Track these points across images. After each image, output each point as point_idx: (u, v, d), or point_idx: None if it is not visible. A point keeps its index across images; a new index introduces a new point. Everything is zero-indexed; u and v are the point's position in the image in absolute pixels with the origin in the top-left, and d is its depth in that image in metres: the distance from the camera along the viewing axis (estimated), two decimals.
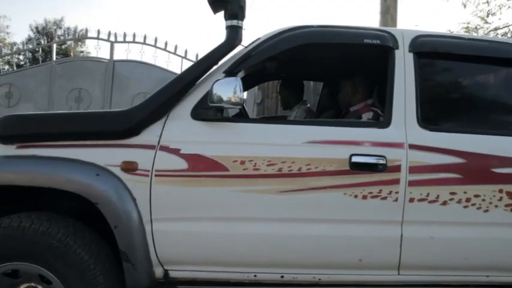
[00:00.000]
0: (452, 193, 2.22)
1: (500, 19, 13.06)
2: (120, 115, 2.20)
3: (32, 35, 27.93)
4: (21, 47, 26.13)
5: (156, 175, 2.12)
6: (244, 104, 3.81)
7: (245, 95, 5.92)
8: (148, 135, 2.16)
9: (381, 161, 2.23)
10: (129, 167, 2.12)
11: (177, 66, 8.79)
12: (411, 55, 2.36)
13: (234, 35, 2.30)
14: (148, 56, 8.84)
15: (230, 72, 2.28)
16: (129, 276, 2.12)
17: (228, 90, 2.11)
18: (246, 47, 2.40)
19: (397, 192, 2.23)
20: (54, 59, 9.00)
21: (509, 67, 2.50)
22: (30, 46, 11.08)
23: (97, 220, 2.16)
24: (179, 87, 2.23)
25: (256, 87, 7.39)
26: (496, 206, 2.24)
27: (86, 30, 9.34)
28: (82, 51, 25.69)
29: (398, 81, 2.35)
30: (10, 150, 2.17)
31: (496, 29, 12.83)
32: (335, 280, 2.31)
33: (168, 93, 2.22)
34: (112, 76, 8.64)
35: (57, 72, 8.59)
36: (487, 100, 2.59)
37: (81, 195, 2.10)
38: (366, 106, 2.88)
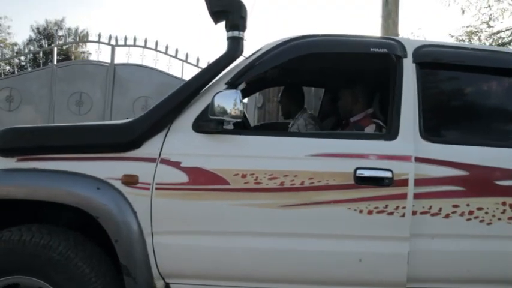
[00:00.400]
0: (455, 206, 2.21)
1: (502, 22, 13.05)
2: (121, 128, 2.20)
3: (33, 35, 28.03)
4: (22, 47, 26.44)
5: (156, 188, 2.11)
6: (244, 110, 3.82)
7: (246, 99, 5.93)
8: (149, 148, 2.15)
9: (387, 175, 2.18)
10: (130, 180, 2.11)
11: (178, 69, 8.77)
12: (414, 65, 2.34)
13: (235, 46, 2.29)
14: (149, 59, 8.82)
15: (232, 83, 2.27)
16: None
17: (227, 103, 2.09)
18: (247, 57, 2.39)
19: (404, 208, 2.18)
20: (55, 62, 8.99)
21: None
22: (32, 47, 11.03)
23: (98, 231, 2.15)
24: (180, 99, 2.22)
25: None
26: (499, 219, 2.23)
27: (87, 34, 9.35)
28: (83, 52, 25.74)
29: (406, 91, 2.31)
30: (10, 163, 2.17)
31: (498, 32, 12.81)
32: None
33: (169, 106, 2.21)
34: (113, 80, 8.62)
35: (58, 75, 8.57)
36: (489, 111, 2.56)
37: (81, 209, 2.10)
38: (367, 117, 2.82)
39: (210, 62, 2.32)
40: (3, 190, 2.14)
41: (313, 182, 2.17)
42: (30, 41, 27.79)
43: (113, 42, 8.75)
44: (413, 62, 2.35)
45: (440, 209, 2.20)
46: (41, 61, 8.98)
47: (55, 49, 9.10)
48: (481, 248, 2.25)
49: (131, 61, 8.80)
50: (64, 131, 2.24)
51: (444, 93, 2.57)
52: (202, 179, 2.14)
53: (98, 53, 8.93)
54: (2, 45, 25.46)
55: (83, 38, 28.02)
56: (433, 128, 2.36)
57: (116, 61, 8.77)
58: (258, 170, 2.17)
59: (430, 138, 2.27)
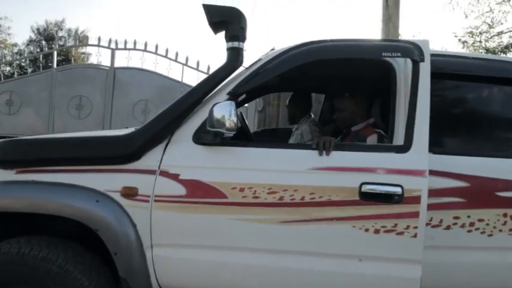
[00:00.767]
0: (456, 217, 2.20)
1: (502, 24, 13.06)
2: (120, 140, 2.18)
3: (33, 36, 28.10)
4: (22, 48, 26.61)
5: (155, 200, 2.10)
6: (244, 116, 3.81)
7: (246, 104, 5.91)
8: (149, 160, 2.14)
9: (397, 191, 2.05)
10: (129, 193, 2.10)
11: (178, 73, 8.77)
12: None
13: (235, 57, 2.28)
14: (149, 63, 8.83)
15: (234, 93, 2.24)
16: None
17: (223, 114, 2.04)
18: (247, 68, 2.38)
19: (416, 227, 2.04)
20: (55, 65, 8.98)
21: None
22: (32, 48, 11.04)
23: (97, 241, 2.14)
24: (180, 110, 2.21)
25: None
26: (500, 230, 2.22)
27: (87, 37, 9.33)
28: (83, 53, 25.76)
29: (422, 98, 2.17)
30: (9, 175, 2.16)
31: (499, 33, 12.83)
32: None
33: (168, 117, 2.19)
34: (113, 83, 8.61)
35: (58, 79, 8.57)
36: (490, 121, 2.54)
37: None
38: (368, 126, 2.69)
39: (210, 74, 2.31)
40: (1, 203, 2.13)
41: (314, 198, 2.08)
42: (30, 41, 27.89)
43: (112, 45, 8.75)
44: None
45: (441, 221, 2.20)
46: (40, 65, 8.97)
47: (55, 52, 9.09)
48: (481, 259, 2.24)
49: (131, 64, 8.80)
50: (63, 143, 2.23)
51: (444, 102, 2.55)
52: (200, 192, 2.10)
53: (98, 56, 8.96)
54: (2, 45, 25.50)
55: (83, 39, 28.17)
56: (434, 138, 2.32)
57: (116, 64, 8.77)
58: (256, 183, 2.10)
59: (431, 149, 2.24)
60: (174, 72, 8.78)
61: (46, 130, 8.53)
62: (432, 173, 2.18)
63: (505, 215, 2.22)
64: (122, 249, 2.07)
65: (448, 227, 2.20)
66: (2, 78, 9.00)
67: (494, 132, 2.51)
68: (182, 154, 2.17)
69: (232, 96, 2.23)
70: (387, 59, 2.30)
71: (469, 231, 2.21)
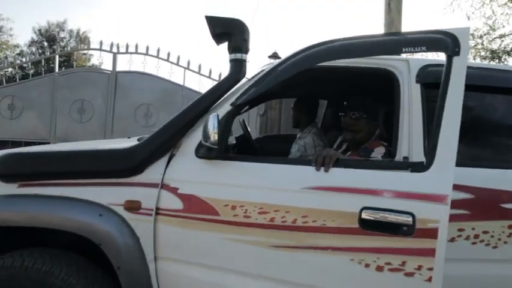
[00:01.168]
0: (461, 230, 2.18)
1: (504, 26, 13.06)
2: (124, 153, 2.17)
3: (35, 37, 28.22)
4: (24, 49, 26.69)
5: (157, 214, 2.09)
6: (246, 123, 3.79)
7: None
8: (152, 173, 2.12)
9: (406, 220, 1.74)
10: (133, 206, 2.09)
11: (180, 76, 8.78)
12: (418, 86, 2.23)
13: (238, 68, 2.26)
14: (151, 66, 8.84)
15: (237, 103, 2.18)
16: None
17: (209, 127, 1.95)
18: (249, 79, 2.36)
19: (430, 269, 1.70)
20: (57, 69, 8.98)
21: None
22: (34, 49, 11.04)
23: (101, 253, 2.13)
24: (183, 123, 2.20)
25: None
26: (505, 242, 2.20)
27: (89, 38, 9.36)
28: (85, 54, 25.86)
29: (452, 102, 1.81)
30: (12, 189, 2.15)
31: (501, 36, 12.81)
32: None
33: (172, 130, 2.18)
34: (115, 87, 8.63)
35: (59, 83, 8.59)
36: (494, 131, 2.52)
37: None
38: (376, 140, 2.51)
39: (213, 85, 2.30)
40: (3, 217, 2.12)
41: (307, 221, 1.87)
42: (32, 42, 28.00)
43: (114, 49, 8.77)
44: (417, 82, 2.28)
45: None
46: (42, 69, 8.96)
47: (57, 57, 9.10)
48: (486, 272, 2.23)
49: (133, 68, 8.80)
50: (66, 157, 2.22)
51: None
52: (194, 208, 2.04)
53: (100, 57, 9.11)
54: (4, 46, 25.58)
55: (84, 40, 28.31)
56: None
57: (118, 68, 8.78)
58: (247, 201, 1.96)
59: None
60: (175, 75, 8.80)
61: (48, 134, 8.55)
62: None
63: (510, 227, 2.20)
64: (125, 263, 2.06)
65: (452, 240, 2.18)
66: (4, 83, 9.00)
67: (498, 142, 2.49)
68: (183, 168, 2.14)
69: (235, 106, 2.20)
70: (388, 67, 2.26)
71: (474, 243, 2.19)
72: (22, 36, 48.81)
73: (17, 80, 8.91)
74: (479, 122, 2.51)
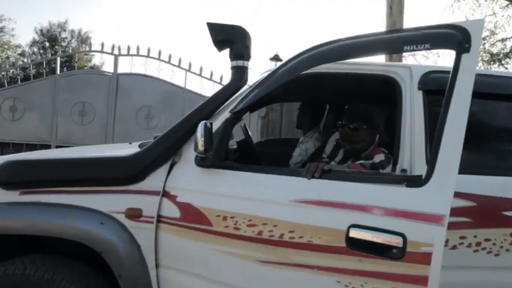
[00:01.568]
0: (462, 237, 2.18)
1: (506, 30, 13.05)
2: (125, 160, 2.17)
3: (37, 37, 28.29)
4: (25, 49, 26.73)
5: (158, 221, 2.09)
6: (247, 127, 3.79)
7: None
8: (153, 181, 2.12)
9: (396, 242, 1.57)
10: (134, 214, 2.08)
11: (181, 79, 8.78)
12: (420, 93, 2.20)
13: (239, 76, 2.27)
14: (152, 69, 8.83)
15: (236, 110, 2.17)
16: None
17: (197, 136, 1.91)
18: (251, 86, 2.36)
19: None
20: (58, 72, 8.99)
21: None
22: (35, 49, 11.06)
23: (100, 259, 2.12)
24: (185, 130, 2.19)
25: None
26: (507, 250, 2.20)
27: (90, 38, 9.36)
28: (86, 54, 25.90)
29: (457, 108, 1.62)
30: (13, 196, 2.14)
31: (503, 40, 12.80)
32: None
33: (173, 137, 2.18)
34: (116, 89, 8.63)
35: (61, 85, 8.59)
36: (496, 138, 2.51)
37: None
38: (376, 145, 2.45)
39: (214, 93, 2.30)
40: (5, 224, 2.12)
41: (293, 237, 1.76)
42: (33, 43, 28.07)
43: (116, 51, 8.76)
44: (420, 89, 2.27)
45: (447, 241, 2.17)
46: (44, 71, 8.97)
47: (58, 59, 9.10)
48: (487, 279, 2.22)
49: (134, 70, 8.80)
50: (67, 164, 2.22)
51: None
52: (190, 217, 2.01)
53: (101, 58, 9.10)
54: (6, 47, 25.62)
55: (85, 40, 28.34)
56: None
57: (119, 70, 8.78)
58: (238, 213, 1.90)
59: None
60: (177, 78, 8.80)
61: (49, 136, 8.56)
62: None
63: None
64: (126, 271, 2.05)
65: (454, 247, 2.17)
66: (6, 84, 9.01)
67: (500, 149, 2.48)
68: (183, 176, 2.14)
69: (234, 114, 2.18)
70: (390, 74, 2.23)
71: (476, 251, 2.18)
72: (24, 36, 49.01)
73: (19, 81, 8.89)
74: (481, 129, 2.49)
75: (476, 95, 2.26)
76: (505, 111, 2.47)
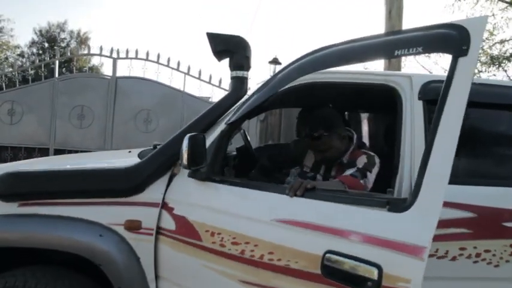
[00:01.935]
0: (462, 248, 2.17)
1: (504, 32, 13.06)
2: (125, 172, 2.16)
3: (36, 38, 28.28)
4: (24, 50, 26.70)
5: (158, 233, 2.08)
6: (246, 133, 3.78)
7: None
8: (152, 193, 2.12)
9: (371, 273, 1.42)
10: (133, 226, 2.08)
11: (180, 82, 8.76)
12: (420, 103, 2.19)
13: (239, 86, 2.26)
14: (151, 72, 8.81)
15: (230, 122, 2.15)
16: None
17: (181, 150, 1.89)
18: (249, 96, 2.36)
19: None
20: (57, 75, 8.96)
21: None
22: (34, 49, 11.03)
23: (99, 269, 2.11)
24: None
25: None
26: (507, 261, 2.19)
27: (89, 47, 9.33)
28: (85, 53, 25.88)
29: (449, 121, 1.44)
30: (12, 208, 2.14)
31: (502, 41, 12.80)
32: None
33: (172, 149, 2.17)
34: (115, 92, 8.60)
35: (59, 89, 8.56)
36: (497, 149, 2.50)
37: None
38: (355, 150, 2.41)
39: (214, 103, 2.29)
40: (3, 237, 2.11)
41: (272, 259, 1.69)
42: (32, 43, 28.05)
43: (114, 55, 8.74)
44: (420, 99, 2.26)
45: (446, 252, 2.17)
46: (42, 74, 8.94)
47: (56, 62, 9.07)
48: None
49: (133, 73, 8.78)
50: (66, 176, 2.21)
51: None
52: (183, 230, 2.00)
53: (100, 59, 8.96)
54: (5, 47, 25.59)
55: (85, 41, 28.28)
56: None
57: (118, 73, 8.76)
58: (224, 229, 1.85)
59: None
60: (176, 81, 8.77)
61: (48, 140, 8.53)
62: None
63: None
64: (125, 283, 2.05)
65: (454, 258, 2.17)
66: (4, 87, 8.99)
67: (500, 160, 2.47)
68: (180, 188, 2.13)
69: (228, 125, 2.16)
70: (390, 83, 2.22)
71: (475, 262, 2.18)
72: (23, 37, 48.93)
73: (17, 84, 8.87)
74: (482, 140, 2.50)
75: (480, 105, 2.30)
76: (507, 122, 2.46)
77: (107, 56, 8.77)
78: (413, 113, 2.19)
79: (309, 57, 1.90)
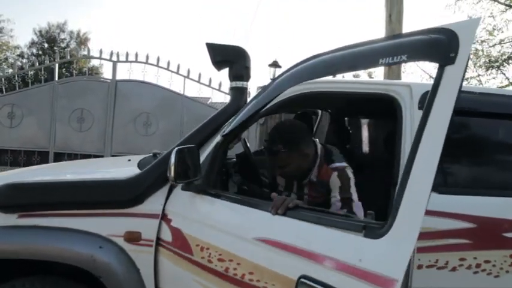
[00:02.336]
0: (462, 259, 2.17)
1: (503, 32, 13.07)
2: (124, 183, 2.16)
3: (36, 38, 28.29)
4: (24, 50, 26.69)
5: (157, 244, 2.08)
6: (246, 140, 3.78)
7: None
8: (152, 204, 2.12)
9: None
10: (133, 237, 2.08)
11: (180, 85, 8.77)
12: (421, 113, 2.22)
13: (239, 97, 2.26)
14: (151, 75, 8.79)
15: (225, 133, 2.13)
16: None
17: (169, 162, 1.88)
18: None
19: None
20: (57, 78, 8.96)
21: None
22: (34, 50, 11.02)
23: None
24: None
25: None
26: (507, 272, 2.19)
27: (89, 50, 9.33)
28: (85, 55, 25.85)
29: (431, 137, 1.30)
30: (11, 219, 2.13)
31: (501, 42, 12.81)
32: None
33: None
34: (114, 96, 8.59)
35: (59, 92, 8.56)
36: (498, 159, 2.50)
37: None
38: (322, 165, 2.25)
39: (213, 115, 2.28)
40: (3, 248, 2.10)
41: (252, 280, 1.64)
42: (32, 44, 28.06)
43: (114, 58, 8.73)
44: (420, 108, 2.25)
45: (446, 263, 2.17)
46: (42, 77, 8.93)
47: (56, 65, 9.06)
48: None
49: (132, 77, 8.78)
50: (66, 187, 2.21)
51: (448, 140, 2.49)
52: (178, 243, 1.99)
53: (100, 61, 8.97)
54: (4, 48, 25.60)
55: (85, 41, 28.25)
56: (438, 177, 2.27)
57: (118, 76, 8.75)
58: (211, 244, 1.83)
59: (437, 189, 2.21)
60: (175, 84, 8.78)
61: (47, 143, 8.53)
62: (438, 214, 2.16)
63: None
64: None
65: (453, 269, 2.16)
66: (4, 90, 8.98)
67: (501, 170, 2.47)
68: (178, 200, 2.12)
69: (223, 137, 2.15)
70: (390, 93, 2.22)
71: (475, 272, 2.18)
72: (22, 37, 48.99)
73: (17, 88, 8.86)
74: (482, 149, 2.49)
75: (481, 115, 2.30)
76: (507, 132, 2.46)
77: (106, 59, 8.77)
78: (413, 123, 2.17)
79: (297, 67, 1.86)
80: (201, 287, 1.88)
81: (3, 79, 9.06)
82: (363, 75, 18.91)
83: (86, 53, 9.89)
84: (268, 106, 1.98)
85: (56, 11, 45.49)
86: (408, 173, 1.29)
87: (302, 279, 1.43)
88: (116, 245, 2.07)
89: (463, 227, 2.17)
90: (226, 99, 7.76)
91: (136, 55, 8.73)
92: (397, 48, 1.44)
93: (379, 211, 1.74)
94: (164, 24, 53.07)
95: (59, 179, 2.28)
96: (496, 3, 12.91)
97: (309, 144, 2.22)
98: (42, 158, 8.48)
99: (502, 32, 13.15)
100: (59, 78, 9.02)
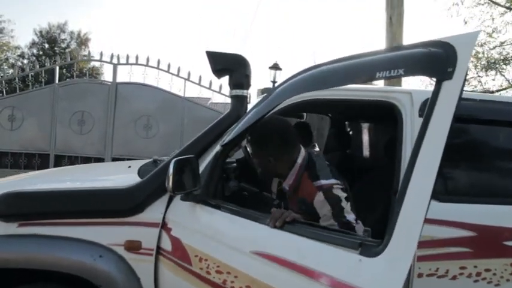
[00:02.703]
0: (463, 267, 2.17)
1: (503, 34, 13.06)
2: (124, 192, 2.16)
3: (36, 39, 28.32)
4: (25, 50, 26.67)
5: (158, 253, 2.08)
6: (247, 147, 3.78)
7: None
8: (152, 213, 2.12)
9: None
10: (133, 246, 2.08)
11: (180, 88, 8.72)
12: (421, 120, 2.19)
13: (239, 105, 2.26)
14: (151, 77, 8.76)
15: (224, 143, 2.12)
16: None
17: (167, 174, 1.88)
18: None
19: None
20: (57, 81, 8.95)
21: None
22: (35, 50, 11.00)
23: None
24: None
25: None
26: (508, 280, 2.19)
27: (89, 52, 9.33)
28: (85, 55, 25.86)
29: (429, 150, 1.27)
30: (11, 228, 2.13)
31: (501, 44, 12.80)
32: None
33: None
34: (115, 98, 8.57)
35: (59, 94, 8.55)
36: (499, 166, 2.49)
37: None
38: (304, 177, 2.05)
39: (213, 123, 2.28)
40: (3, 257, 2.10)
41: None
42: (33, 44, 28.08)
43: (114, 60, 8.70)
44: (421, 116, 2.24)
45: (447, 271, 2.16)
46: (43, 80, 8.93)
47: (57, 68, 9.06)
48: None
49: (133, 79, 8.76)
50: (66, 196, 2.21)
51: (448, 148, 2.48)
52: (177, 252, 1.99)
53: (100, 62, 8.94)
54: (5, 48, 25.60)
55: (85, 41, 28.24)
56: (439, 186, 2.24)
57: (118, 79, 8.74)
58: (210, 256, 1.83)
59: (437, 197, 2.20)
60: (176, 87, 8.74)
61: (48, 145, 8.52)
62: (439, 222, 2.15)
63: None
64: None
65: (454, 277, 2.17)
66: (4, 93, 8.98)
67: (501, 178, 2.46)
68: (178, 209, 2.12)
69: (222, 147, 2.14)
70: (391, 100, 2.22)
71: (476, 281, 2.18)
72: (23, 37, 48.98)
73: (17, 90, 8.86)
74: (483, 158, 2.49)
75: (482, 122, 2.29)
76: (507, 139, 2.45)
77: (107, 62, 8.75)
78: (413, 130, 2.17)
79: (296, 78, 1.81)
80: None
81: (3, 81, 9.05)
82: None
83: (86, 53, 9.87)
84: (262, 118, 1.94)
85: (56, 11, 45.59)
86: (405, 187, 1.26)
87: None
88: (116, 254, 2.07)
89: (463, 235, 2.17)
90: (227, 99, 7.74)
91: (137, 57, 8.71)
92: (394, 62, 1.42)
93: (379, 216, 1.74)
94: (164, 24, 53.15)
95: (59, 188, 2.27)
96: (496, 6, 12.91)
97: (280, 147, 2.06)
98: (42, 160, 8.47)
99: (503, 34, 13.18)
100: (59, 79, 9.00)
